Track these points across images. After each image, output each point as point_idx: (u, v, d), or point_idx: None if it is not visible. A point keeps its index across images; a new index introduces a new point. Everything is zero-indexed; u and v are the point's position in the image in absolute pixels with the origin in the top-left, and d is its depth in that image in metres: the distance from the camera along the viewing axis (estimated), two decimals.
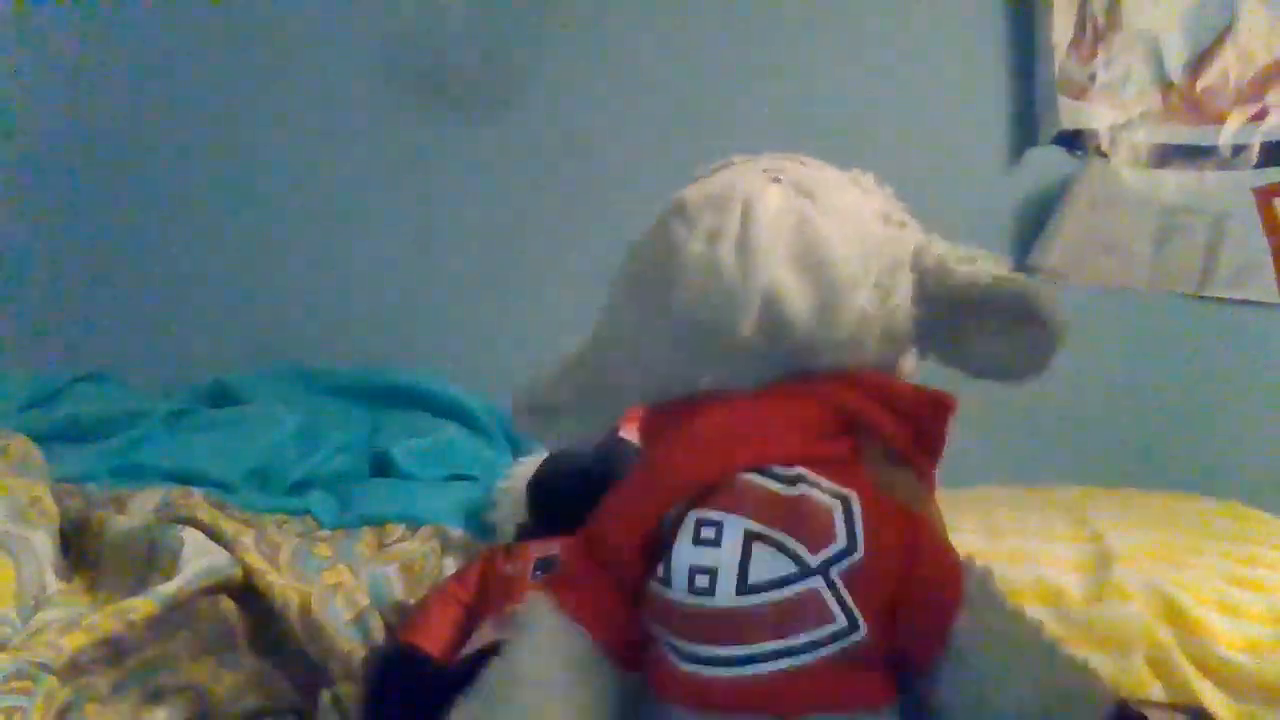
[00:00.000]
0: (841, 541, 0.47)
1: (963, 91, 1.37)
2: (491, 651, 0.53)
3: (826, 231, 0.48)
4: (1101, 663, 0.82)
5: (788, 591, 0.46)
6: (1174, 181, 1.34)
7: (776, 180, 0.50)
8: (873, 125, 1.35)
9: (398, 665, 0.75)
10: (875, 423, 0.50)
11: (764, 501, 0.47)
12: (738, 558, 0.47)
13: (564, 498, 0.83)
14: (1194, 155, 1.33)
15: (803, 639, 0.46)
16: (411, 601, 0.84)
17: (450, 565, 0.91)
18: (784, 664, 0.46)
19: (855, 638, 0.46)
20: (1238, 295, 1.33)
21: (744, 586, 0.46)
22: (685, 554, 0.47)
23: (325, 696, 0.74)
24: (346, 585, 0.82)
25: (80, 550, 0.82)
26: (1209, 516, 1.00)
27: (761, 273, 0.47)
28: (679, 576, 0.47)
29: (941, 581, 0.48)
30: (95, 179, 1.43)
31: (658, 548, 0.49)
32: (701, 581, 0.47)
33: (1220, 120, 1.32)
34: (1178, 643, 0.81)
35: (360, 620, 0.80)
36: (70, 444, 1.05)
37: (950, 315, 0.50)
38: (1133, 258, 1.34)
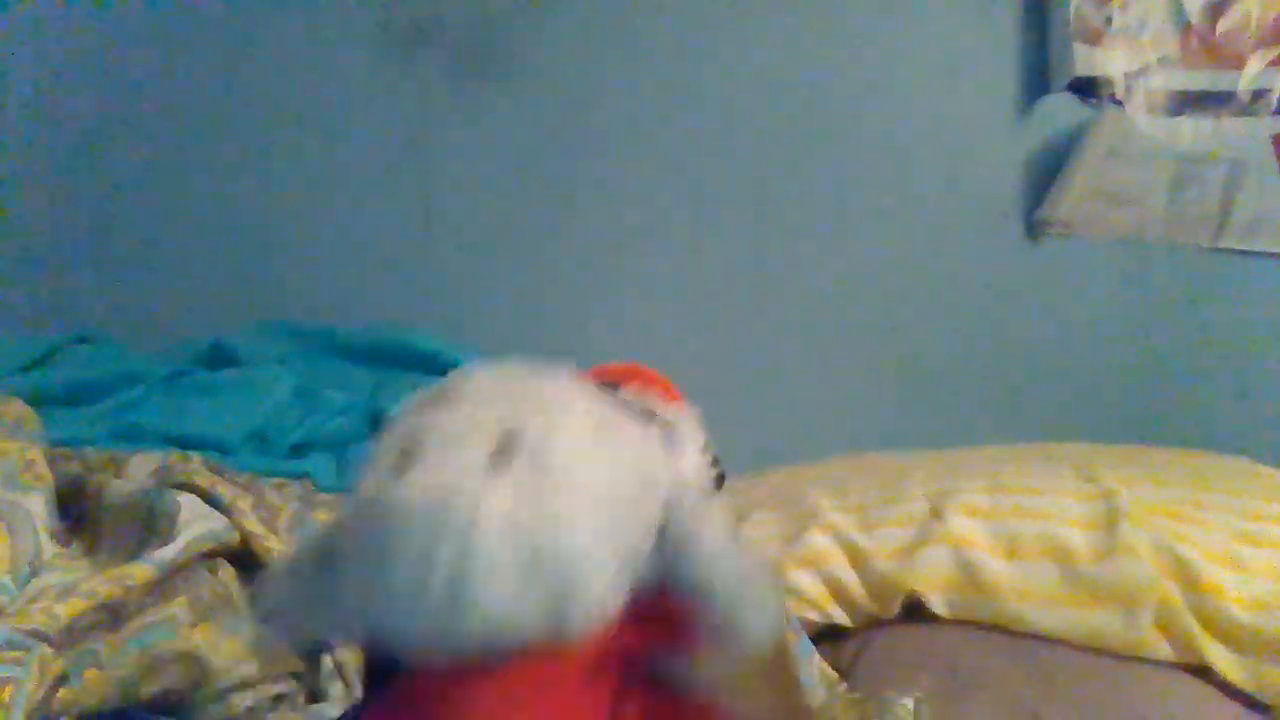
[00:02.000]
0: None
1: (973, 37, 1.32)
2: None
3: (561, 528, 0.43)
4: (1109, 620, 0.82)
5: None
6: (1190, 129, 1.30)
7: (506, 454, 0.43)
8: (880, 73, 1.32)
9: None
10: (632, 648, 0.47)
11: None
12: None
13: None
14: (1212, 101, 1.29)
15: None
16: None
17: None
18: None
19: None
20: (1253, 247, 1.30)
21: None
22: None
23: (326, 662, 0.73)
24: None
25: (77, 514, 0.81)
26: (1219, 473, 0.99)
27: (480, 605, 0.42)
28: None
29: None
30: (92, 140, 1.41)
31: None
32: None
33: (1240, 65, 1.28)
34: (1186, 600, 0.81)
35: None
36: (67, 406, 1.04)
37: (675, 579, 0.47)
38: (1146, 209, 1.31)
